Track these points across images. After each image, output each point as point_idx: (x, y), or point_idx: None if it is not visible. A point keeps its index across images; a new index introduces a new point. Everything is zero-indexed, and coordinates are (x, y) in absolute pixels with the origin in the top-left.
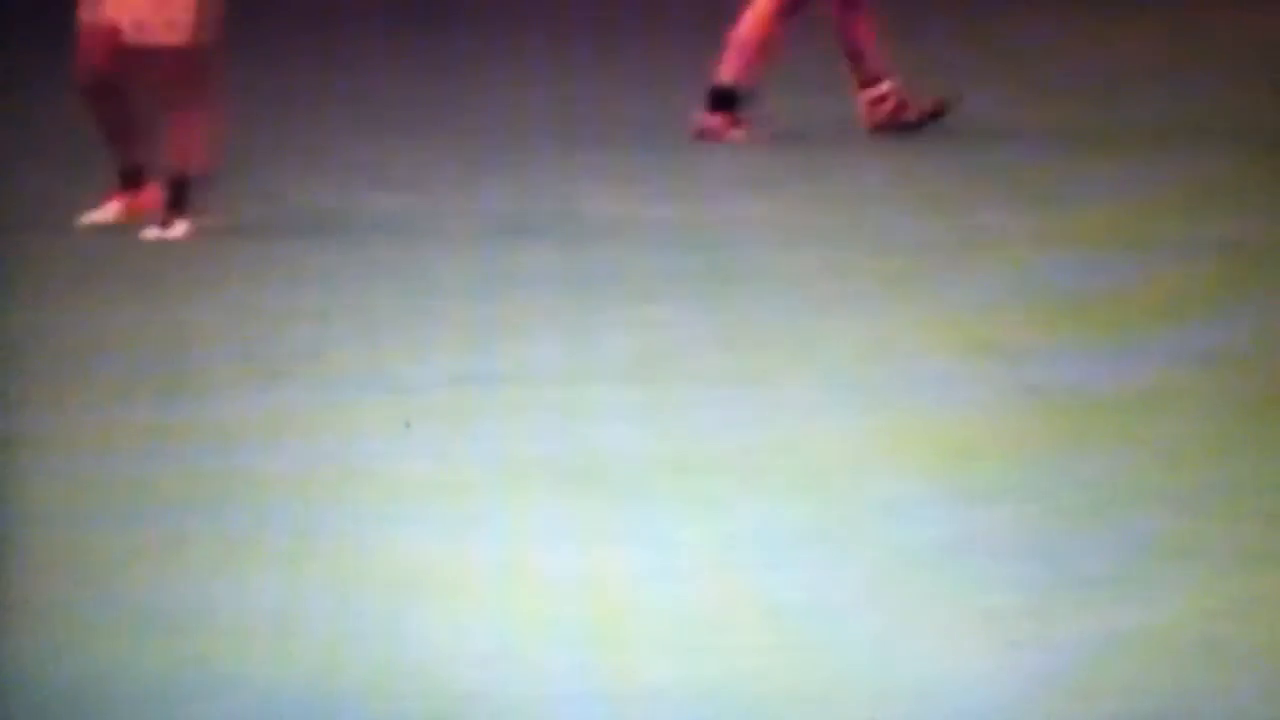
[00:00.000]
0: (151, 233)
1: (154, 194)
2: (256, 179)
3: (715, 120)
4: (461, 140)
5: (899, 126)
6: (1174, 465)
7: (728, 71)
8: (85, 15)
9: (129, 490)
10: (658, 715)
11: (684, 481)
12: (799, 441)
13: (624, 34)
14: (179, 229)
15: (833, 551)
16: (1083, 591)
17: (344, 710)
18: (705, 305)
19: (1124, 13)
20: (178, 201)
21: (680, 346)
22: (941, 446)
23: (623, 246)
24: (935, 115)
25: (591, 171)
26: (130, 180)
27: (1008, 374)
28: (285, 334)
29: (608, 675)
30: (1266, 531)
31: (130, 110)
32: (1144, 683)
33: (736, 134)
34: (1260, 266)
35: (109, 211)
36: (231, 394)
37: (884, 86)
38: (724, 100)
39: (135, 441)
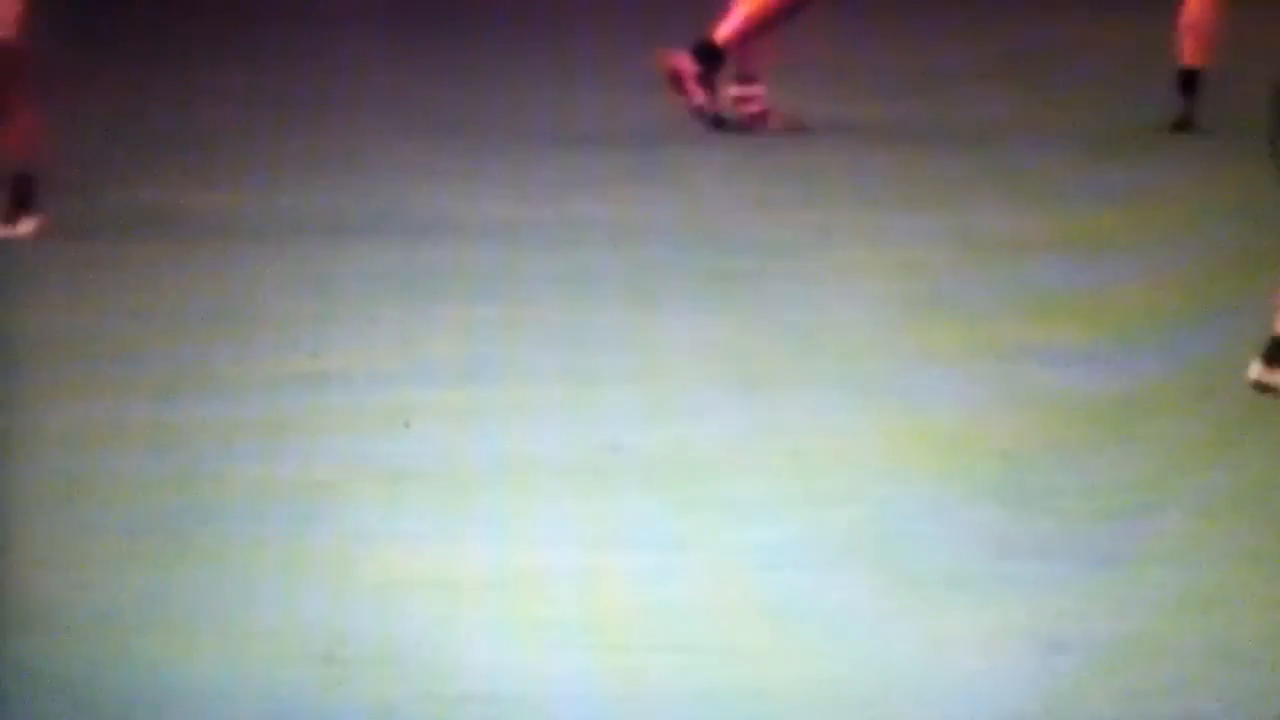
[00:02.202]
0: None
1: None
2: (254, 180)
3: (688, 64)
4: (461, 141)
5: (758, 129)
6: (1173, 465)
7: (722, 32)
8: None
9: (129, 490)
10: (658, 715)
11: (684, 481)
12: (799, 441)
13: (624, 34)
14: (25, 226)
15: (833, 551)
16: (1082, 591)
17: (344, 710)
18: (705, 305)
19: (1124, 13)
20: (23, 198)
21: (680, 347)
22: (941, 446)
23: (623, 246)
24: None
25: (591, 171)
26: None
27: (1008, 374)
28: (285, 334)
29: (608, 675)
30: (1266, 531)
31: None
32: (1144, 682)
33: (699, 94)
34: (1260, 267)
35: None
36: (231, 394)
37: (757, 89)
38: (706, 55)
39: (135, 441)
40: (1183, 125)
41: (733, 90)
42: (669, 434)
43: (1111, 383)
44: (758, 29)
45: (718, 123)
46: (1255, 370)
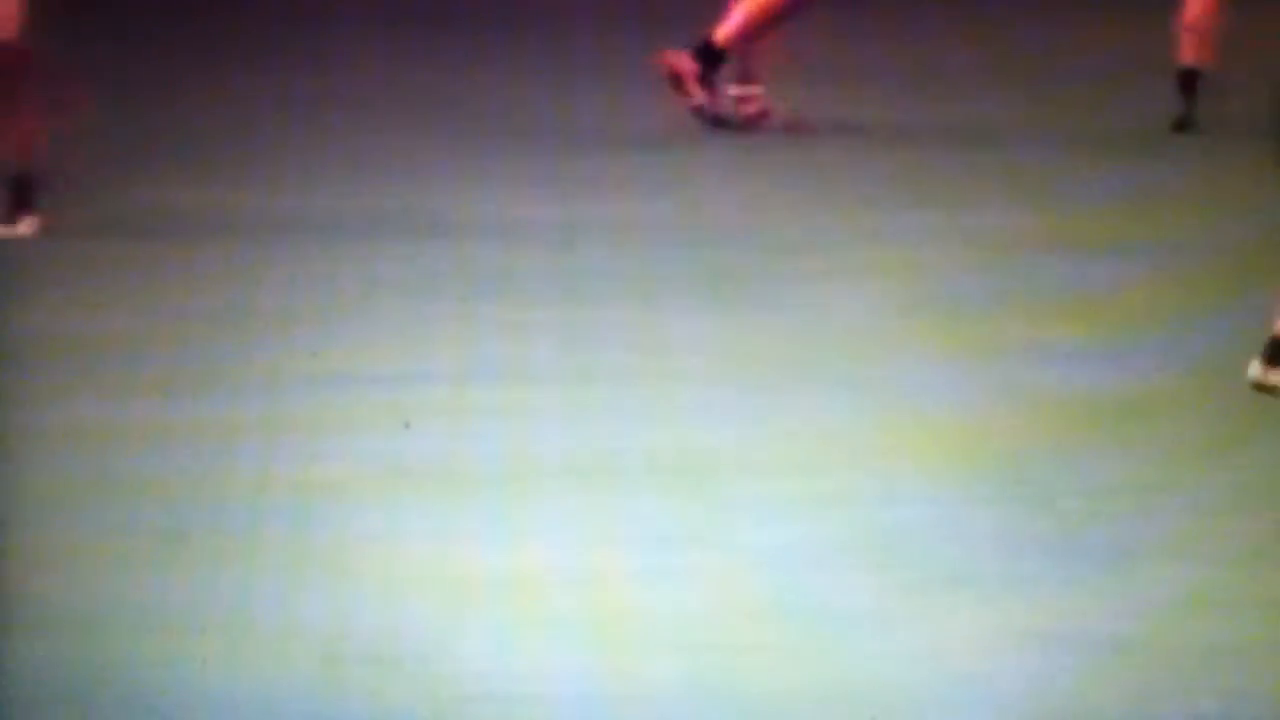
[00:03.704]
0: None
1: None
2: (254, 179)
3: (687, 64)
4: (461, 140)
5: (757, 128)
6: (1173, 465)
7: (723, 32)
8: None
9: (129, 490)
10: (658, 715)
11: (683, 481)
12: (799, 441)
13: (624, 34)
14: (25, 226)
15: (834, 551)
16: (1082, 591)
17: (344, 710)
18: (706, 305)
19: (1124, 13)
20: (23, 198)
21: (680, 346)
22: (941, 446)
23: (622, 246)
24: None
25: (591, 171)
26: None
27: (1008, 374)
28: (285, 334)
29: (608, 675)
30: (1266, 531)
31: None
32: (1144, 683)
33: (699, 94)
34: (1258, 267)
35: None
36: (231, 394)
37: (756, 89)
38: (706, 55)
39: (135, 441)
40: (1183, 125)
41: (733, 90)
42: (670, 434)
43: (1111, 383)
44: (758, 29)
45: (718, 122)
46: (1255, 370)
